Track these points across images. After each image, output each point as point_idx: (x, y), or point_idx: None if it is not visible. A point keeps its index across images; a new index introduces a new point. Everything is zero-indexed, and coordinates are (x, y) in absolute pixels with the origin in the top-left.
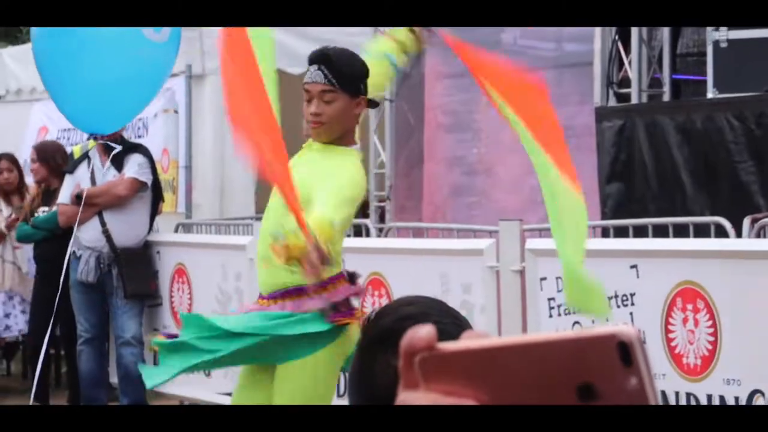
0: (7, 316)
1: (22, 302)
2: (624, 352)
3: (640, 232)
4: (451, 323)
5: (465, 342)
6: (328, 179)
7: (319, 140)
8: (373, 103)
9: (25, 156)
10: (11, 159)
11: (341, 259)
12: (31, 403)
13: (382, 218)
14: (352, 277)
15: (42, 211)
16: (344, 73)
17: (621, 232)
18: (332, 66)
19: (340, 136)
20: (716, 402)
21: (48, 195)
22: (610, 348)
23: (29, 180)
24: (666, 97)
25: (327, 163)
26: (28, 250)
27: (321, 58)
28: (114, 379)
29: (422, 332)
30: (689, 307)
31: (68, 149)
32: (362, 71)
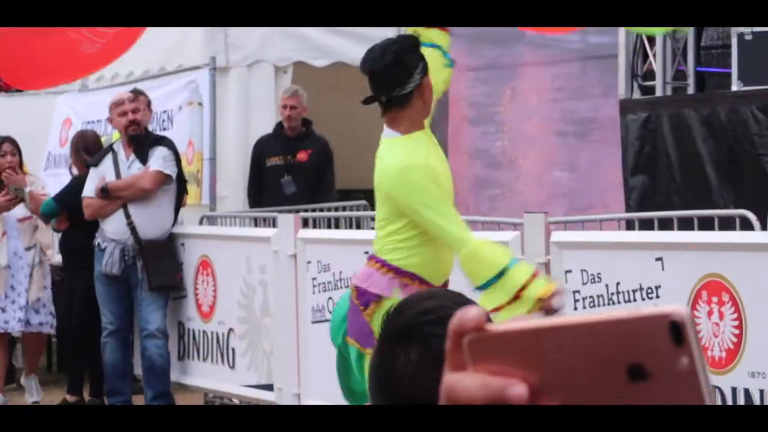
0: None
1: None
2: (675, 332)
3: (665, 224)
4: None
5: (514, 323)
6: None
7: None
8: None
9: (49, 147)
10: (13, 143)
11: None
12: (66, 395)
13: None
14: None
15: None
16: (381, 85)
17: (646, 225)
18: (372, 82)
19: (408, 126)
20: (741, 395)
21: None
22: (661, 328)
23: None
24: (690, 90)
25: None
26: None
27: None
28: (138, 371)
29: (472, 313)
30: (714, 299)
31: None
32: (393, 69)
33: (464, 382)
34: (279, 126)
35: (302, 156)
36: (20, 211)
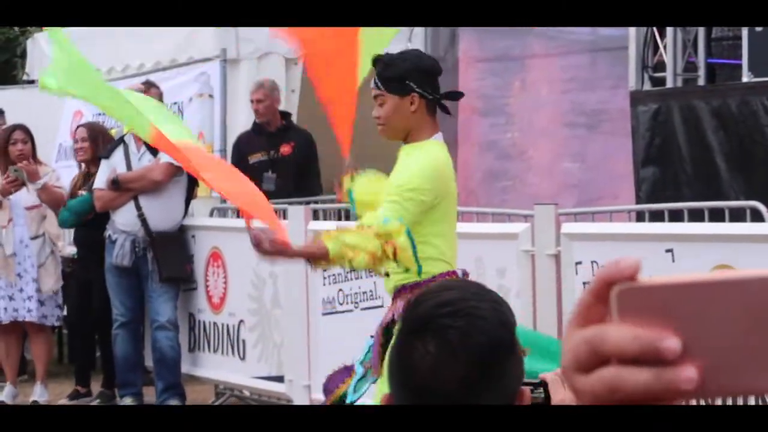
0: None
1: (8, 286)
2: None
3: (676, 216)
4: (490, 308)
5: (666, 276)
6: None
7: (390, 139)
8: (452, 94)
9: (60, 139)
10: (25, 130)
11: (454, 256)
12: (75, 386)
13: None
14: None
15: (80, 195)
16: (386, 75)
17: (656, 217)
18: (378, 70)
19: (406, 134)
20: None
21: (88, 179)
22: None
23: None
24: (701, 81)
25: (402, 161)
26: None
27: (374, 62)
28: (149, 363)
29: (627, 261)
30: None
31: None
32: (408, 69)
33: (615, 333)
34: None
35: (285, 149)
36: (29, 198)
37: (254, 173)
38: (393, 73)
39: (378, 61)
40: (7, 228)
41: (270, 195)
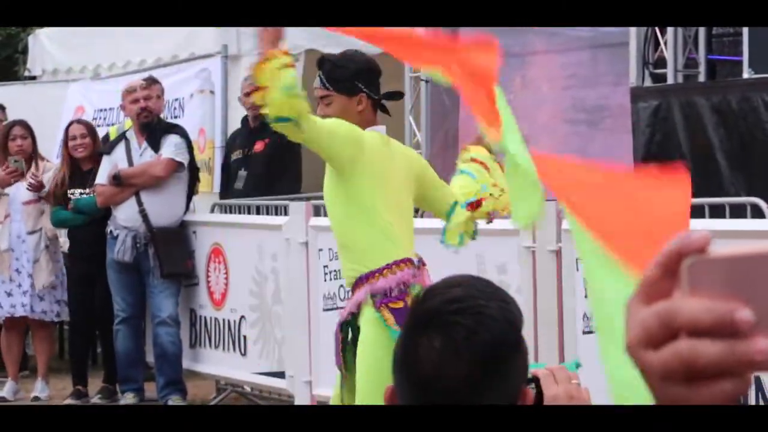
0: None
1: (4, 282)
2: None
3: None
4: (497, 306)
5: (737, 247)
6: None
7: None
8: (393, 95)
9: (62, 136)
10: (25, 126)
11: (408, 243)
12: (72, 385)
13: None
14: (421, 263)
15: (79, 194)
16: (336, 76)
17: None
18: (325, 71)
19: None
20: (753, 384)
21: (81, 176)
22: None
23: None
24: (702, 78)
25: None
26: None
27: (319, 64)
28: (150, 359)
29: (698, 234)
30: None
31: (104, 130)
32: (357, 70)
33: (688, 306)
34: (244, 119)
35: (259, 146)
36: (27, 193)
37: (233, 171)
38: (342, 74)
39: (325, 61)
40: (4, 223)
41: (240, 193)
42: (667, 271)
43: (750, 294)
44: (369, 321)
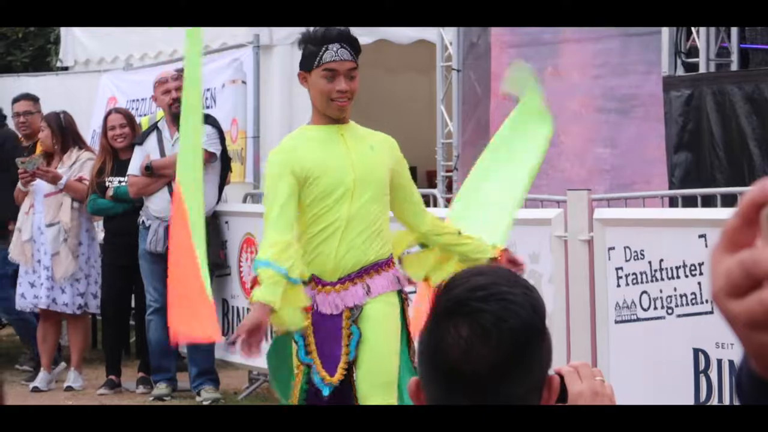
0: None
1: (27, 273)
2: None
3: (708, 201)
4: (522, 293)
5: None
6: (407, 174)
7: (341, 116)
8: None
9: (94, 126)
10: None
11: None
12: (105, 375)
13: (449, 188)
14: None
15: (118, 182)
16: (359, 49)
17: (689, 202)
18: (352, 44)
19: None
20: None
21: (120, 165)
22: None
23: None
24: (734, 67)
25: (383, 146)
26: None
27: (342, 36)
28: (183, 349)
29: None
30: None
31: (136, 120)
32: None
33: (765, 257)
34: None
35: None
36: (49, 185)
37: None
38: (360, 48)
39: (345, 33)
40: (28, 214)
41: None
42: (747, 220)
43: None
44: (389, 303)
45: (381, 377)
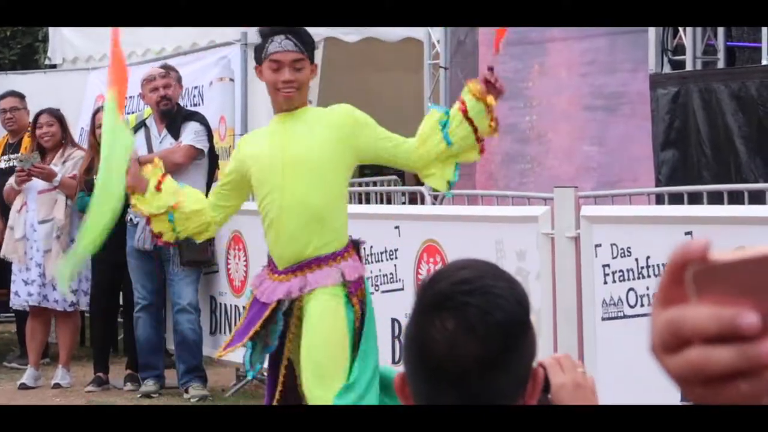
0: None
1: (21, 272)
2: None
3: (695, 198)
4: (506, 286)
5: (738, 252)
6: (374, 132)
7: (291, 106)
8: None
9: (82, 123)
10: (53, 114)
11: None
12: (93, 372)
13: None
14: (356, 245)
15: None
16: (307, 42)
17: (675, 199)
18: (299, 36)
19: (303, 101)
20: None
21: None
22: None
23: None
24: (721, 64)
25: (327, 121)
26: (29, 214)
27: (290, 29)
28: (171, 346)
29: (697, 243)
30: None
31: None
32: (314, 41)
33: (693, 314)
34: None
35: None
36: (43, 183)
37: None
38: (310, 41)
39: (293, 27)
40: (20, 212)
41: None
42: (674, 280)
43: (757, 297)
44: (331, 296)
45: (316, 371)
